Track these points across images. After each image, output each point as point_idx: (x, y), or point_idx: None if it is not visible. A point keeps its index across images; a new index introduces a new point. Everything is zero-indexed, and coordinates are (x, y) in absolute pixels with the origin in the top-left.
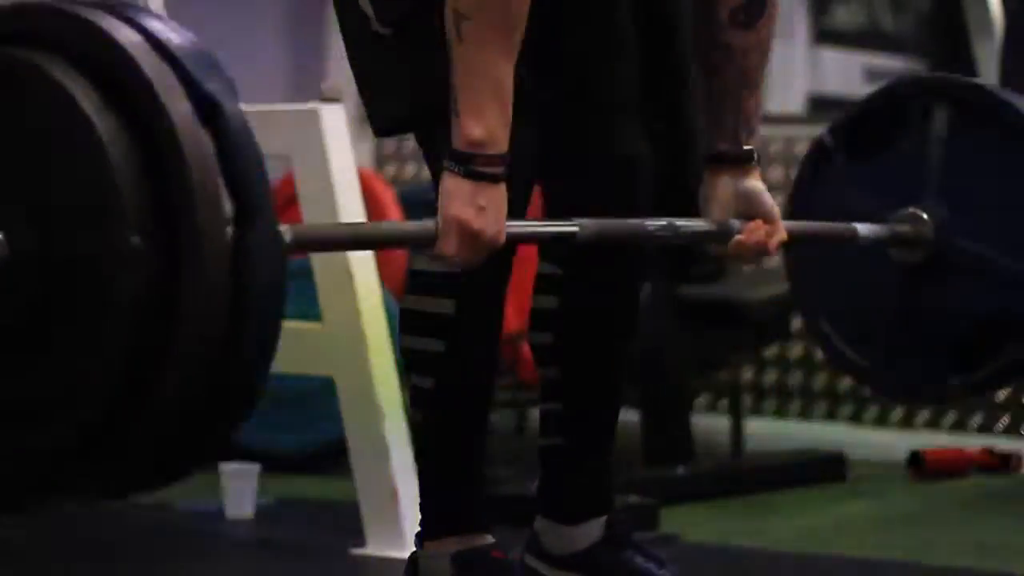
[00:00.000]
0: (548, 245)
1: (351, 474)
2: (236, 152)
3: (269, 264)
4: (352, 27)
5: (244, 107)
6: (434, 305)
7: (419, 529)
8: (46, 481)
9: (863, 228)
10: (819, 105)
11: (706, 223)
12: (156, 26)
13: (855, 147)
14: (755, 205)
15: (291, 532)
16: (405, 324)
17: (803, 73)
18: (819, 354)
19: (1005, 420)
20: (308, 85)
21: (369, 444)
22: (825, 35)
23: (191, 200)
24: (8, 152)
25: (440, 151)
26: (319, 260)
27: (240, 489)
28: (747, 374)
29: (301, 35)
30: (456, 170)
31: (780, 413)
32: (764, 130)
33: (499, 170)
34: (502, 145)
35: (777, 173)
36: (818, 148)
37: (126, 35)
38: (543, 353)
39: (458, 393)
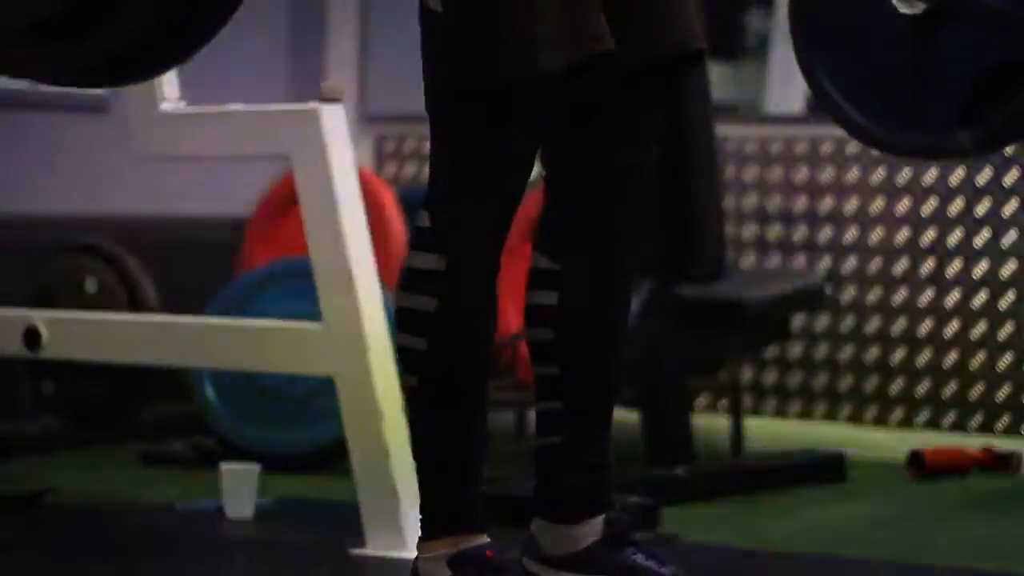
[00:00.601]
0: (543, 234)
1: (351, 474)
2: None
3: None
4: (421, 10)
5: (244, 107)
6: (419, 303)
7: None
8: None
9: None
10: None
11: None
12: None
13: None
14: None
15: (291, 532)
16: (397, 322)
17: None
18: (819, 354)
19: (1005, 420)
20: (308, 85)
21: (369, 444)
22: None
23: None
24: None
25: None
26: (319, 260)
27: (240, 489)
28: (747, 374)
29: (301, 35)
30: None
31: (780, 413)
32: (764, 130)
33: None
34: None
35: (777, 173)
36: None
37: None
38: (542, 350)
39: (442, 391)
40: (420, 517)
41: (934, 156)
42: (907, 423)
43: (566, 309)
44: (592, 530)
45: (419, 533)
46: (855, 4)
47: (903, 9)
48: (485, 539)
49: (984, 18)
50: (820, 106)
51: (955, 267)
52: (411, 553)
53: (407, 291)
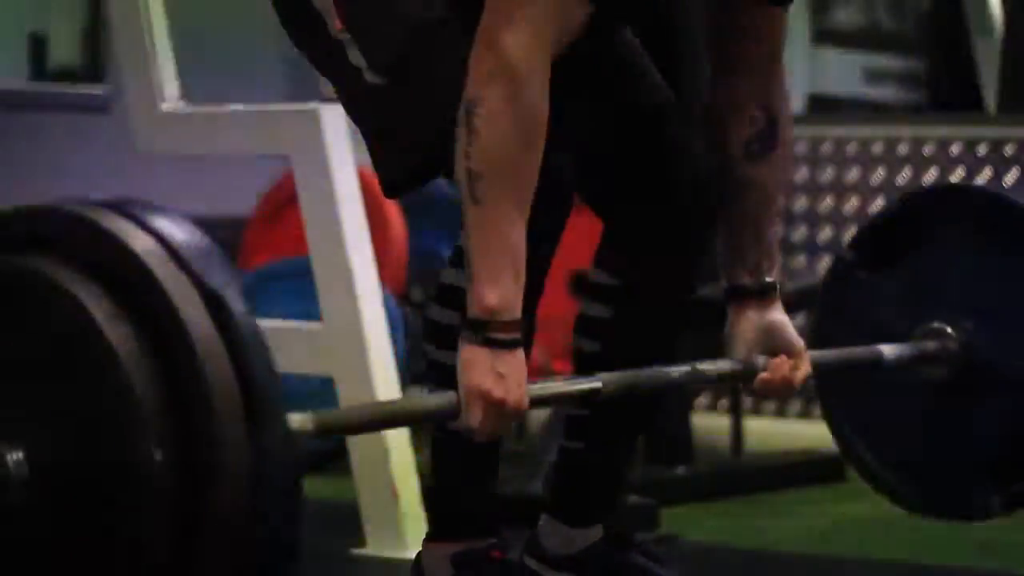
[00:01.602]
0: (602, 254)
1: (351, 474)
2: (247, 354)
3: (284, 465)
4: (349, 85)
5: (244, 107)
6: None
7: (427, 530)
8: None
9: (888, 350)
10: (819, 105)
11: (730, 363)
12: (164, 225)
13: (875, 261)
14: (779, 339)
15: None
16: (429, 334)
17: (803, 73)
18: None
19: None
20: (308, 85)
21: (369, 444)
22: (825, 35)
23: (209, 413)
24: (21, 365)
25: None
26: (319, 260)
27: None
28: None
29: None
30: (473, 339)
31: (780, 413)
32: None
33: (516, 335)
34: (516, 311)
35: None
36: (839, 264)
37: (136, 239)
38: (588, 361)
39: None
40: (431, 518)
41: (968, 519)
42: None
43: (618, 326)
44: (593, 532)
45: (426, 530)
46: (884, 375)
47: (926, 376)
48: (491, 539)
49: (1009, 384)
50: (854, 468)
51: None
52: (411, 553)
53: (448, 307)
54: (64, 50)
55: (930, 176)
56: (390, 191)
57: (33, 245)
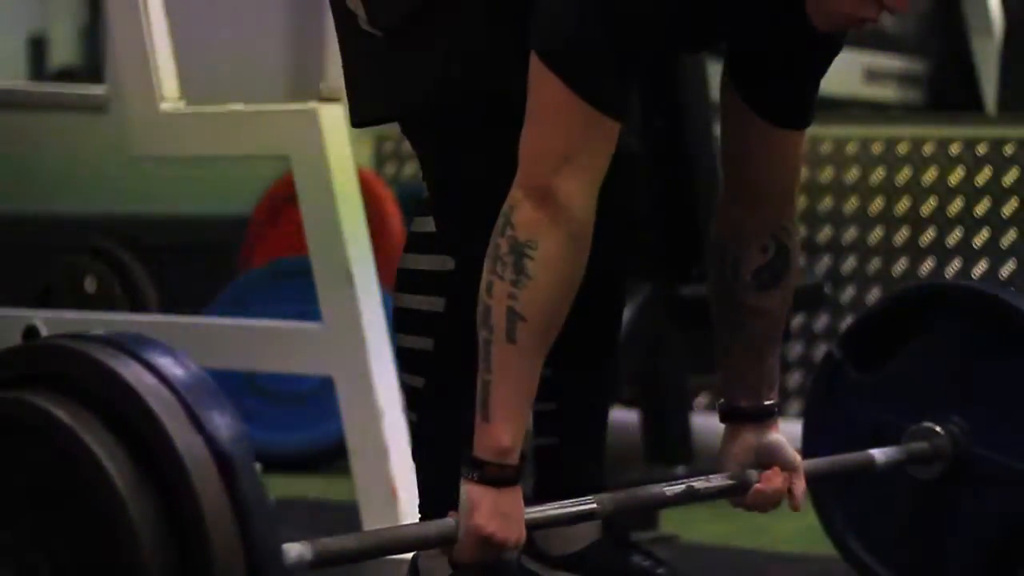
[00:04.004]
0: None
1: (351, 474)
2: (243, 488)
3: None
4: (340, 21)
5: (244, 107)
6: (424, 303)
7: None
8: None
9: (879, 454)
10: (819, 105)
11: (724, 479)
12: (163, 361)
13: (864, 358)
14: (777, 457)
15: (291, 532)
16: (397, 323)
17: None
18: (819, 354)
19: None
20: (308, 85)
21: (369, 444)
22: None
23: (206, 546)
24: (21, 503)
25: (428, 149)
26: (319, 260)
27: None
28: None
29: (301, 35)
30: (481, 478)
31: (780, 413)
32: None
33: (518, 471)
34: (518, 450)
35: None
36: (828, 361)
37: (136, 375)
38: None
39: (447, 392)
40: (421, 516)
41: None
42: None
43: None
44: (591, 530)
45: None
46: (875, 476)
47: (918, 475)
48: None
49: (997, 478)
50: (852, 567)
51: (954, 267)
52: (411, 553)
53: (410, 291)
54: (64, 50)
55: (930, 176)
56: (357, 125)
57: (33, 382)
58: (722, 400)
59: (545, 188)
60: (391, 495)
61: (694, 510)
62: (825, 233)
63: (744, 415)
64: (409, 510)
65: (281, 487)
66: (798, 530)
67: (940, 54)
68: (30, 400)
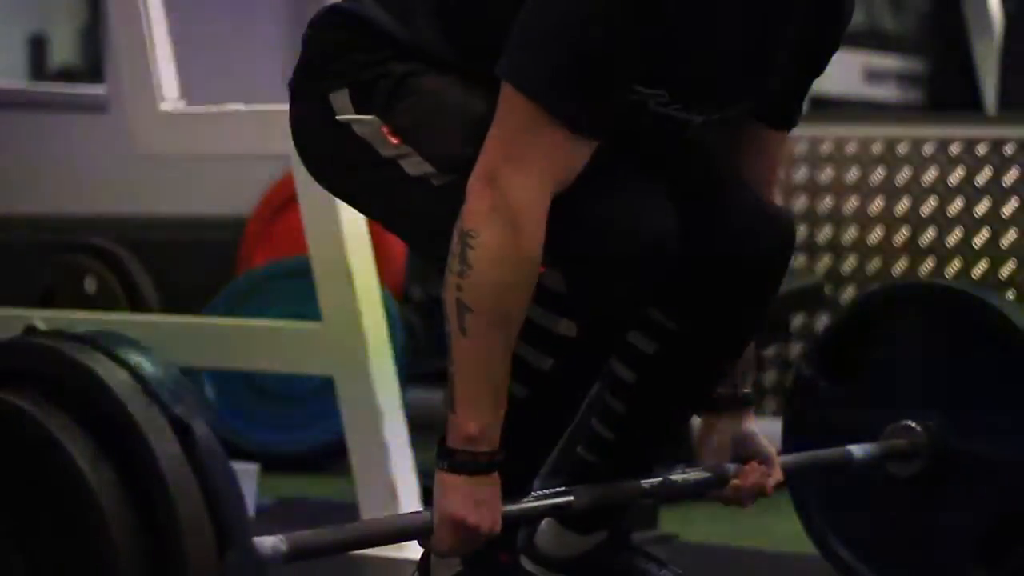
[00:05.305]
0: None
1: (351, 474)
2: (216, 482)
3: None
4: (408, 199)
5: (244, 107)
6: (556, 324)
7: None
8: None
9: (857, 450)
10: (819, 105)
11: (701, 472)
12: (135, 358)
13: (834, 369)
14: (751, 448)
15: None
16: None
17: None
18: None
19: None
20: None
21: (369, 444)
22: None
23: (180, 539)
24: None
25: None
26: (319, 260)
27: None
28: None
29: (301, 35)
30: (451, 466)
31: (780, 413)
32: None
33: (493, 459)
34: (495, 440)
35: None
36: (798, 380)
37: (108, 371)
38: (619, 386)
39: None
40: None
41: None
42: None
43: (659, 365)
44: (594, 536)
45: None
46: (854, 473)
47: (898, 472)
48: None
49: (976, 471)
50: (834, 567)
51: (954, 267)
52: (411, 553)
53: (545, 308)
54: (64, 50)
55: (930, 176)
56: None
57: (6, 379)
58: None
59: (489, 176)
60: (391, 495)
61: (694, 510)
62: (825, 233)
63: (722, 402)
64: (409, 509)
65: (281, 487)
66: (798, 530)
67: (940, 54)
68: (4, 398)
